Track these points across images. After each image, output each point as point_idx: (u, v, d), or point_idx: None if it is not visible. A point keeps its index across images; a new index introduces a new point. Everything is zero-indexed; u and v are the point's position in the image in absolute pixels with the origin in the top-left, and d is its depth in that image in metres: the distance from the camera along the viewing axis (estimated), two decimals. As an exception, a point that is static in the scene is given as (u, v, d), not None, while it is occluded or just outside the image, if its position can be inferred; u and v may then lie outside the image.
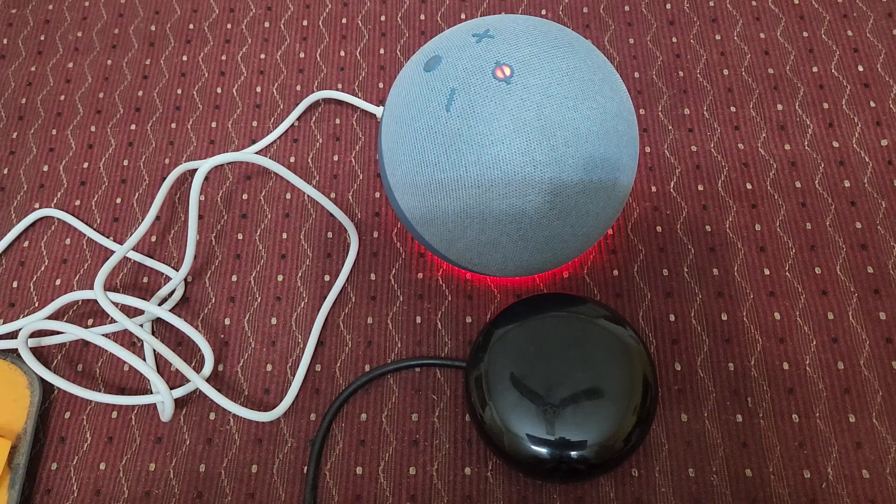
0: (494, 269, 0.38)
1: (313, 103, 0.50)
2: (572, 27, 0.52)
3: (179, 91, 0.51)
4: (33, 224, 0.47)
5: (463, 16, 0.53)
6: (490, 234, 0.35)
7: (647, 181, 0.46)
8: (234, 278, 0.45)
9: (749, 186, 0.46)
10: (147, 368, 0.39)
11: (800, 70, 0.49)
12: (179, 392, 0.41)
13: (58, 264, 0.46)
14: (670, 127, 0.48)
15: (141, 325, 0.42)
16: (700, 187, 0.46)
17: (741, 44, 0.50)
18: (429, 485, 0.39)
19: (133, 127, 0.50)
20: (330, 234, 0.46)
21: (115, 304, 0.44)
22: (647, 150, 0.47)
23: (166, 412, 0.40)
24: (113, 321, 0.44)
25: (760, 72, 0.49)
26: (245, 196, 0.47)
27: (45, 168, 0.49)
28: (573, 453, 0.35)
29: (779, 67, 0.49)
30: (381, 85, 0.50)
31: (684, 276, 0.43)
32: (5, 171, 0.49)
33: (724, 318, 0.42)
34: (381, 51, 0.52)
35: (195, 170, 0.48)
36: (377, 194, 0.47)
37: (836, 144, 0.47)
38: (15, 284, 0.45)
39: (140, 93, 0.51)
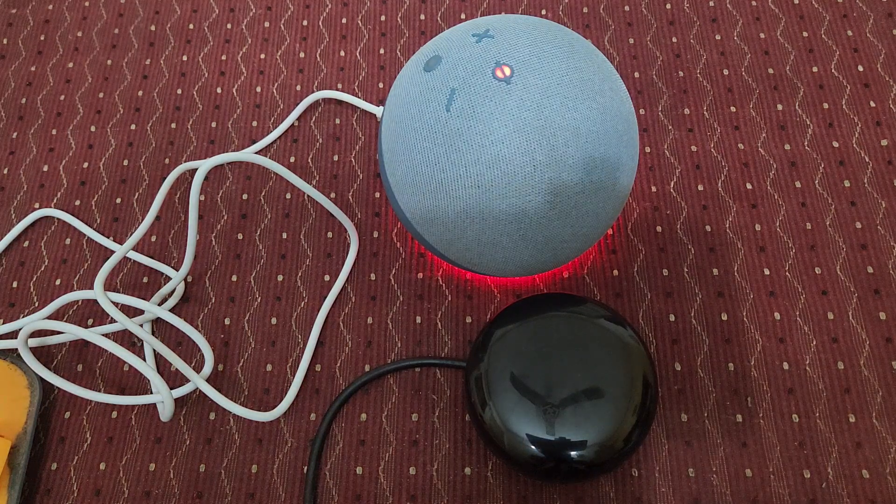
0: (494, 269, 0.38)
1: (313, 103, 0.50)
2: (572, 27, 0.52)
3: (179, 91, 0.51)
4: (33, 224, 0.47)
5: (463, 16, 0.53)
6: (490, 234, 0.35)
7: (647, 181, 0.46)
8: (234, 278, 0.45)
9: (749, 186, 0.46)
10: (147, 368, 0.39)
11: (800, 70, 0.49)
12: (179, 392, 0.41)
13: (58, 264, 0.46)
14: (670, 127, 0.48)
15: (141, 325, 0.42)
16: (700, 187, 0.46)
17: (741, 44, 0.50)
18: (429, 485, 0.39)
19: (133, 127, 0.50)
20: (330, 234, 0.46)
21: (115, 304, 0.44)
22: (647, 150, 0.47)
23: (166, 412, 0.40)
24: (113, 321, 0.44)
25: (760, 72, 0.49)
26: (245, 196, 0.47)
27: (45, 168, 0.49)
28: (573, 453, 0.35)
29: (779, 67, 0.49)
30: (381, 85, 0.50)
31: (684, 276, 0.43)
32: (5, 171, 0.49)
33: (724, 318, 0.42)
34: (381, 51, 0.52)
35: (195, 170, 0.48)
36: (377, 194, 0.47)
37: (836, 144, 0.47)
38: (15, 284, 0.45)
39: (140, 93, 0.51)
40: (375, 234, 0.46)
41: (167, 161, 0.49)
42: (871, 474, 0.38)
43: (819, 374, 0.41)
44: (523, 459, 0.35)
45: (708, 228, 0.45)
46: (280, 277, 0.45)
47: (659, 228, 0.45)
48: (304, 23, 0.53)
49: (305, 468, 0.40)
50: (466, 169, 0.33)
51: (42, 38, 0.54)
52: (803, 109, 0.48)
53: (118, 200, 0.48)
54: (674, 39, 0.51)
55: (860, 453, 0.39)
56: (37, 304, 0.45)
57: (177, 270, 0.45)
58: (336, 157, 0.48)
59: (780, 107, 0.48)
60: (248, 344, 0.43)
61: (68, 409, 0.42)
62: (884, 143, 0.47)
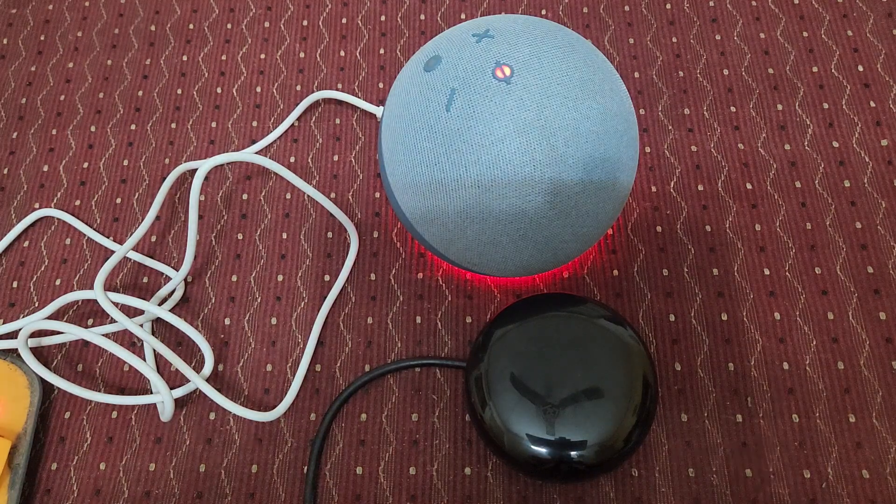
0: (494, 269, 0.38)
1: (313, 103, 0.50)
2: (572, 27, 0.52)
3: (179, 91, 0.51)
4: (33, 224, 0.47)
5: (463, 16, 0.53)
6: (490, 234, 0.35)
7: (647, 181, 0.46)
8: (234, 278, 0.45)
9: (749, 186, 0.46)
10: (147, 368, 0.39)
11: (800, 70, 0.49)
12: (179, 392, 0.41)
13: (58, 264, 0.46)
14: (670, 127, 0.48)
15: (141, 325, 0.42)
16: (700, 187, 0.46)
17: (741, 44, 0.50)
18: (429, 485, 0.39)
19: (133, 127, 0.50)
20: (330, 234, 0.46)
21: (115, 304, 0.44)
22: (647, 150, 0.47)
23: (166, 412, 0.40)
24: (113, 321, 0.44)
25: (760, 72, 0.49)
26: (245, 196, 0.47)
27: (45, 168, 0.49)
28: (573, 453, 0.35)
29: (779, 67, 0.49)
30: (381, 85, 0.50)
31: (684, 276, 0.43)
32: (5, 171, 0.49)
33: (724, 318, 0.42)
34: (381, 51, 0.52)
35: (195, 170, 0.48)
36: (377, 194, 0.47)
37: (836, 144, 0.47)
38: (15, 284, 0.45)
39: (140, 93, 0.51)
40: (375, 234, 0.46)
41: (167, 161, 0.49)
42: (871, 474, 0.38)
43: (819, 374, 0.41)
44: (523, 459, 0.35)
45: (708, 228, 0.45)
46: (280, 277, 0.45)
47: (659, 228, 0.45)
48: (304, 23, 0.53)
49: (305, 468, 0.40)
50: (466, 169, 0.33)
51: (42, 38, 0.54)
52: (803, 109, 0.48)
53: (118, 200, 0.48)
54: (674, 39, 0.51)
55: (860, 453, 0.39)
56: (37, 304, 0.45)
57: (177, 270, 0.45)
58: (336, 157, 0.48)
59: (780, 107, 0.48)
60: (248, 344, 0.43)
61: (68, 409, 0.42)
62: (884, 143, 0.47)
